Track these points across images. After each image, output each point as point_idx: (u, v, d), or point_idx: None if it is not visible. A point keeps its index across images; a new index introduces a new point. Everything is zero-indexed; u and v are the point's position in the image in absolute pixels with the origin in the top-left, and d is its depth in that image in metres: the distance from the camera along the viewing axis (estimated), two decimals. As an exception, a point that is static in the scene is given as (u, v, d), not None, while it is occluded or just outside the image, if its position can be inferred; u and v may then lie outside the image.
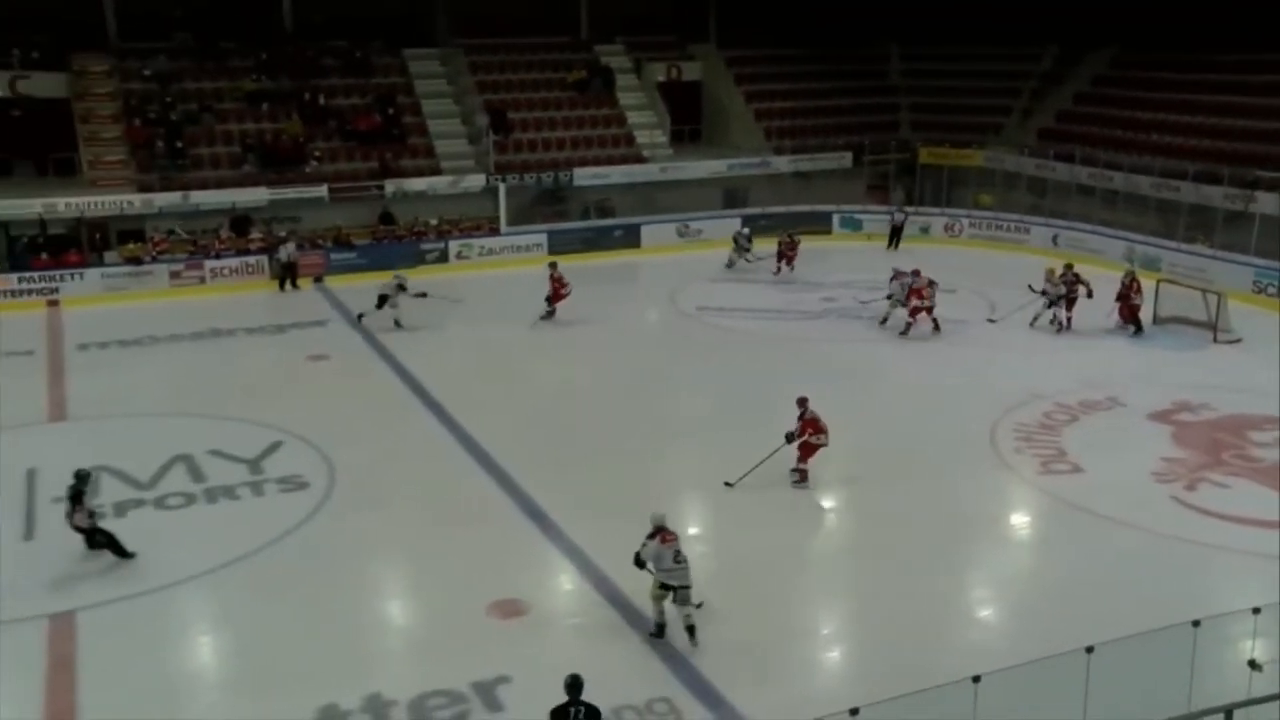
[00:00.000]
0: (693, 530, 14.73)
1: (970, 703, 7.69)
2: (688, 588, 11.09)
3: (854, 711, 7.30)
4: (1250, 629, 8.88)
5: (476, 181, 29.43)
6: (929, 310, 21.84)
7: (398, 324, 22.26)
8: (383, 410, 18.19)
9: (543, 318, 22.88)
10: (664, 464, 16.12)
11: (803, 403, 15.07)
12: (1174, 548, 13.26)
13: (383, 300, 22.33)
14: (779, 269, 27.15)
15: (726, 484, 14.87)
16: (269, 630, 11.58)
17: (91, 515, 12.91)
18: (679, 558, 11.13)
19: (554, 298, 22.95)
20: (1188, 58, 30.70)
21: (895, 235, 29.68)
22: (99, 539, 12.81)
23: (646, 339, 23.07)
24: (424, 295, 22.48)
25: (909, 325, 21.92)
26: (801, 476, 14.93)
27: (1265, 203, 25.08)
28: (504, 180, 29.42)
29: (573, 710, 8.57)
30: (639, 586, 12.09)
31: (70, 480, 12.95)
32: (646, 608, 11.61)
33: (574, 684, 8.67)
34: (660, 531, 11.28)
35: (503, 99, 31.71)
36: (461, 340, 22.13)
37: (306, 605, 12.06)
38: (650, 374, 20.03)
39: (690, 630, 11.15)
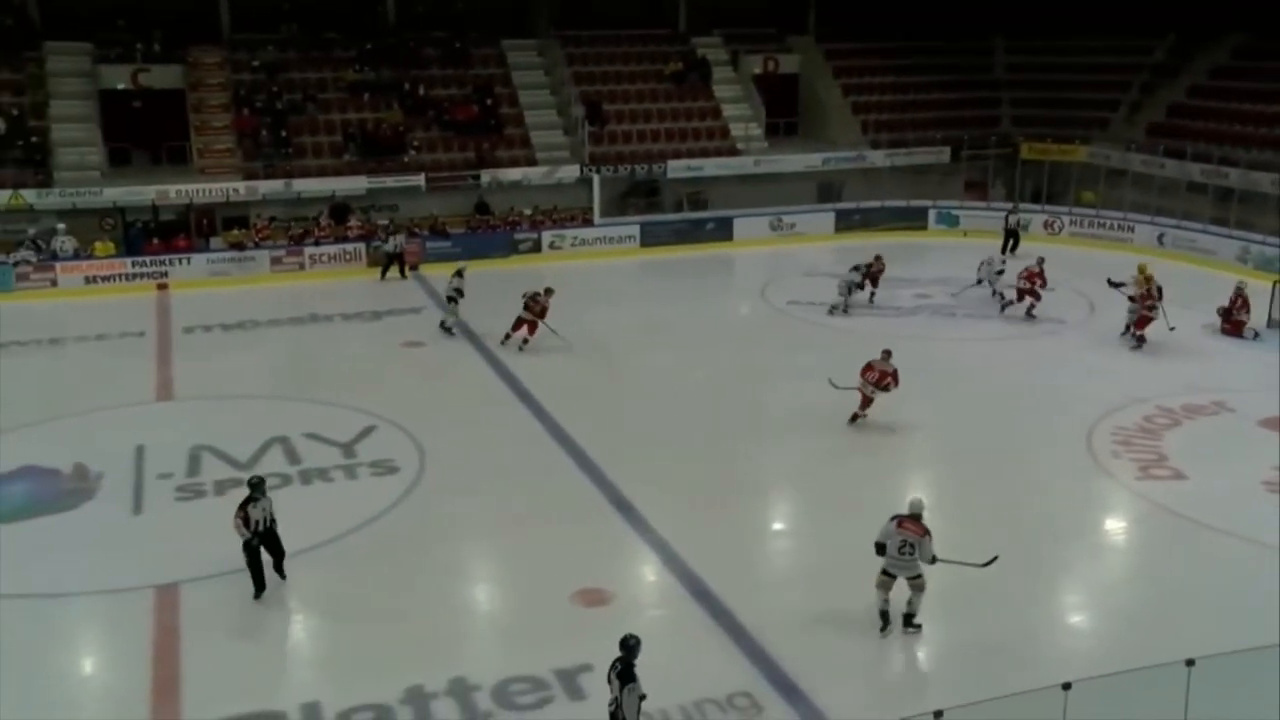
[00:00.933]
0: (778, 526, 14.76)
1: (1060, 709, 7.51)
2: (915, 577, 11.01)
3: (938, 714, 7.19)
4: (1359, 650, 8.53)
5: (571, 172, 29.64)
6: (1034, 295, 22.13)
7: (450, 331, 21.64)
8: (474, 398, 18.45)
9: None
10: (753, 460, 16.04)
11: (887, 354, 16.74)
12: (1282, 560, 12.76)
13: (452, 299, 21.92)
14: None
15: (831, 382, 16.63)
16: (357, 611, 11.83)
17: (254, 525, 11.86)
18: (904, 549, 10.93)
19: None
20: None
21: (1012, 238, 28.07)
22: (248, 551, 11.87)
23: (738, 333, 22.98)
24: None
25: (1009, 303, 22.49)
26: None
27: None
28: (598, 171, 29.58)
29: (616, 663, 8.82)
30: (725, 582, 12.12)
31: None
32: (732, 603, 11.65)
33: (625, 644, 8.86)
34: (903, 517, 11.10)
35: (599, 90, 31.86)
36: (555, 330, 22.26)
37: (394, 588, 12.29)
38: (741, 369, 19.95)
39: (908, 618, 11.18)
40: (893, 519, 11.18)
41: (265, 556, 11.99)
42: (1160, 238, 28.00)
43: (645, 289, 26.68)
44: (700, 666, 10.60)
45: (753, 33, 35.10)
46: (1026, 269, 22.55)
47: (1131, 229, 28.79)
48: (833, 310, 22.96)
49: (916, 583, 11.11)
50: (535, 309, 20.52)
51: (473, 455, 15.84)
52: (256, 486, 12.01)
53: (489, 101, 30.72)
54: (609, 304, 24.47)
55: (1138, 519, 14.41)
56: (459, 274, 22.31)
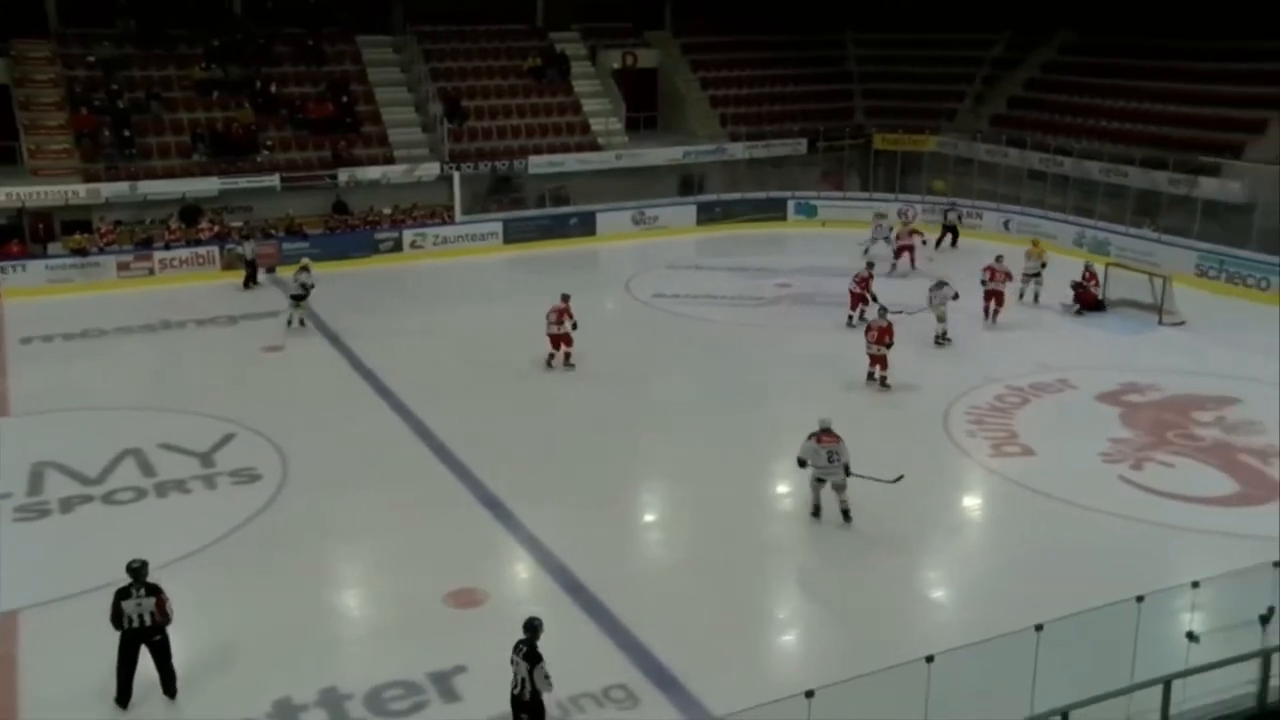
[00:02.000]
0: (650, 518, 14.87)
1: (924, 682, 7.77)
2: (841, 484, 13.26)
3: (809, 694, 7.35)
4: (1189, 603, 9.08)
5: (431, 170, 29.23)
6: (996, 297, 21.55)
7: (302, 323, 21.57)
8: (337, 401, 18.06)
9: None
10: (623, 452, 16.13)
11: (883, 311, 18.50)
12: (1120, 526, 13.48)
13: (298, 296, 21.66)
14: (900, 262, 25.35)
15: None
16: (221, 625, 11.45)
17: (126, 621, 9.97)
18: (831, 458, 13.19)
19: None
20: (1136, 44, 31.03)
21: (950, 233, 28.27)
22: (120, 645, 10.00)
23: (604, 327, 22.98)
24: None
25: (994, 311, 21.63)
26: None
27: (1207, 188, 25.52)
28: (458, 169, 29.25)
29: (520, 646, 9.08)
30: (598, 576, 12.17)
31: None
32: (606, 597, 11.72)
33: (529, 625, 9.15)
34: (818, 433, 13.28)
35: (457, 87, 31.50)
36: (416, 329, 21.99)
37: (260, 599, 11.96)
38: (608, 362, 20.01)
39: (845, 513, 13.40)
40: (810, 437, 13.31)
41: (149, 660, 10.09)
42: (1006, 223, 29.20)
43: (509, 286, 26.53)
44: (575, 661, 10.57)
45: (610, 27, 35.20)
46: (988, 267, 21.79)
47: (979, 215, 29.93)
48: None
49: (841, 483, 13.31)
50: (557, 319, 19.18)
51: (337, 458, 15.51)
52: (135, 572, 9.96)
53: (345, 99, 30.06)
54: (473, 302, 24.27)
55: (991, 495, 15.02)
56: (304, 269, 22.03)
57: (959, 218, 29.10)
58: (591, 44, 34.49)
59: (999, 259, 21.96)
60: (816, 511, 13.56)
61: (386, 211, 28.44)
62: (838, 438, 13.27)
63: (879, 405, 17.57)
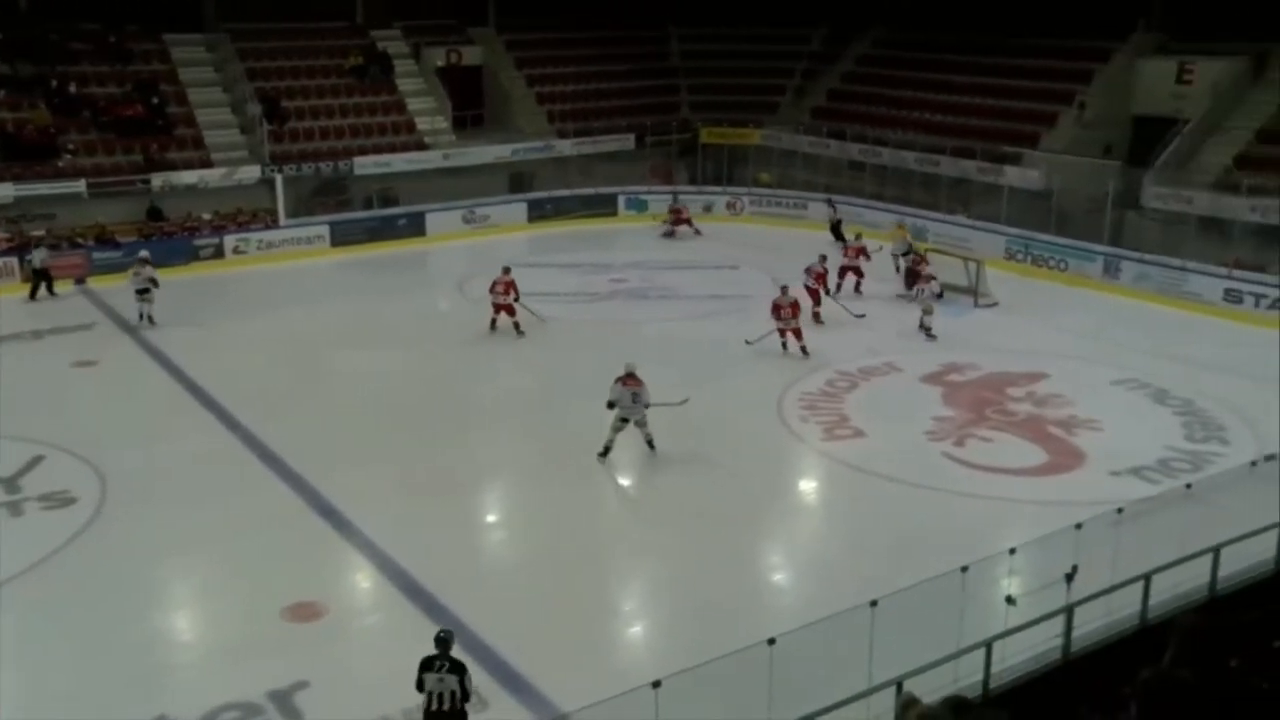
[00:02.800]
0: (492, 518, 14.77)
1: (767, 664, 7.95)
2: (643, 421, 14.94)
3: (656, 684, 7.43)
4: (1007, 569, 9.60)
5: (251, 173, 28.19)
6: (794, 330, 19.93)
7: (151, 320, 21.46)
8: (159, 416, 17.24)
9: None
10: (462, 454, 15.95)
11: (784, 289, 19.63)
12: (946, 500, 14.12)
13: (144, 291, 21.42)
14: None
15: (747, 341, 19.40)
16: (38, 660, 10.80)
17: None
18: (635, 399, 14.77)
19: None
20: (942, 40, 32.51)
21: (835, 231, 27.78)
22: None
23: (438, 329, 22.73)
24: None
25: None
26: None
27: (1011, 176, 26.96)
28: (280, 171, 28.32)
29: (438, 663, 8.91)
30: (441, 579, 12.00)
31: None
32: (449, 600, 11.56)
33: (441, 639, 9.04)
34: (624, 377, 14.83)
35: (276, 87, 30.46)
36: (242, 338, 21.20)
37: (80, 629, 11.29)
38: (443, 364, 19.77)
39: (649, 442, 15.09)
40: (617, 380, 14.84)
41: None
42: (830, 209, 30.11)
43: (339, 289, 25.87)
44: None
45: (433, 24, 34.64)
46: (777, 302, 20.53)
47: (805, 206, 30.79)
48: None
49: (642, 420, 14.96)
50: (501, 290, 20.71)
51: (161, 476, 14.82)
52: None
53: (155, 100, 28.66)
54: (302, 306, 23.55)
55: (826, 477, 15.51)
56: (143, 262, 21.64)
57: (837, 216, 28.84)
58: (414, 42, 33.88)
59: (822, 259, 22.24)
60: (606, 452, 14.99)
61: (206, 217, 27.26)
62: (640, 381, 14.86)
63: (716, 395, 17.87)
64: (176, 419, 17.02)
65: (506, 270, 21.00)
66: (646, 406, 14.91)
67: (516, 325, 20.84)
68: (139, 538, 13.20)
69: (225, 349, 20.28)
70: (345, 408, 17.51)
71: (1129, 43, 28.87)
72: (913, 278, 23.07)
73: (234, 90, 30.39)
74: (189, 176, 27.40)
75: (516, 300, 20.74)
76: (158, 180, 26.97)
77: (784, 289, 19.87)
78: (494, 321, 20.89)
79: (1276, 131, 24.70)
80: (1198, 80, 26.98)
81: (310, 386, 18.49)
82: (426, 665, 8.95)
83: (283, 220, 28.06)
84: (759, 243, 27.84)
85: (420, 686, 8.95)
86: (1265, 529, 9.62)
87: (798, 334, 19.61)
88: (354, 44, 32.76)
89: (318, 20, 32.78)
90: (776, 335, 19.67)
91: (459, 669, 8.97)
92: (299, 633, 11.19)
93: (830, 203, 29.38)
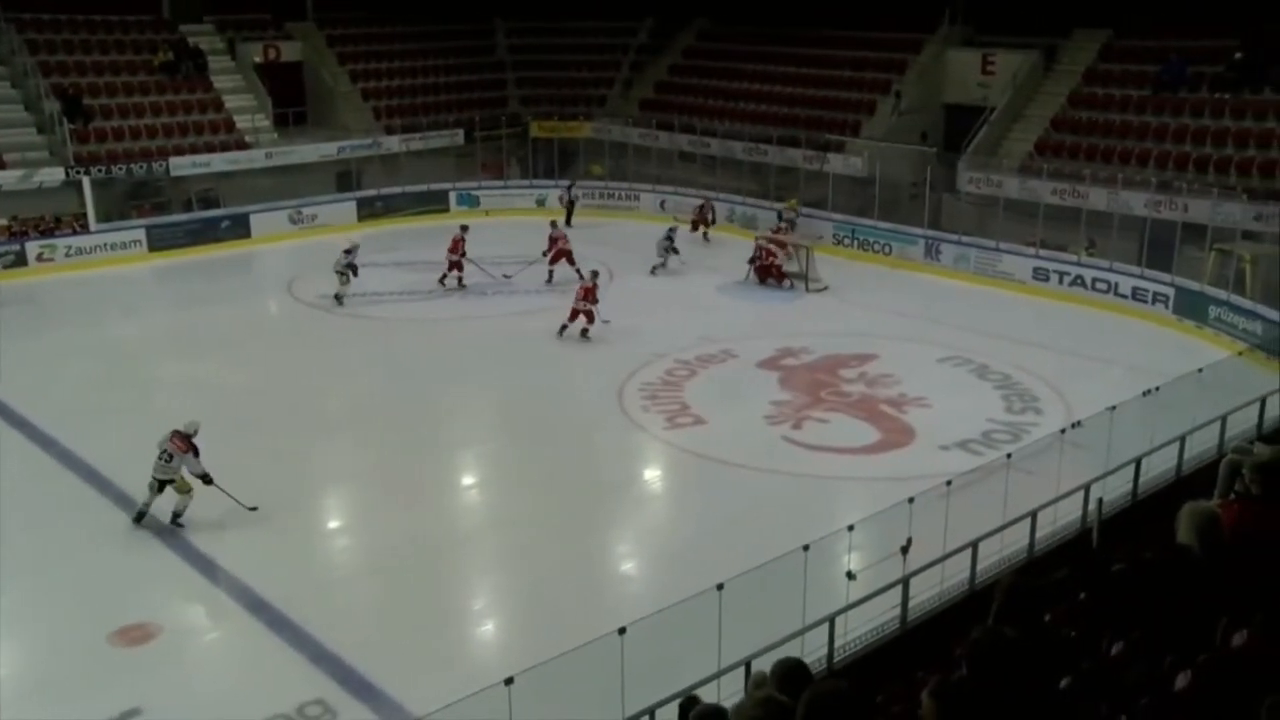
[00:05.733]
0: (334, 524, 14.41)
1: (618, 653, 8.01)
2: (170, 480, 13.11)
3: (508, 681, 7.39)
4: (846, 545, 9.94)
5: (54, 175, 26.51)
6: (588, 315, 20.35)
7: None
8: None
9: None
10: (297, 460, 15.48)
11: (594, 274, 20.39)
12: (786, 482, 14.51)
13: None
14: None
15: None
16: None
17: None
18: (162, 456, 13.09)
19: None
20: (764, 33, 33.24)
21: (569, 211, 28.96)
22: None
23: (270, 332, 22.01)
24: None
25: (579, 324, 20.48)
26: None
27: (835, 163, 27.84)
28: (87, 173, 26.80)
29: None
30: (282, 590, 11.66)
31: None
32: (292, 611, 11.27)
33: None
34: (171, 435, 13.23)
35: (76, 83, 28.73)
36: (53, 351, 19.96)
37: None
38: (278, 368, 19.13)
39: (174, 515, 13.15)
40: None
41: None
42: (662, 204, 30.48)
43: (161, 295, 24.77)
44: (266, 682, 10.13)
45: (247, 19, 33.37)
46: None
47: (637, 197, 31.05)
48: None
49: (182, 486, 13.14)
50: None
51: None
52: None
53: (-66, 96, 26.66)
54: (120, 315, 22.43)
55: (670, 465, 15.70)
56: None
57: (576, 196, 29.75)
58: (229, 36, 32.53)
59: (594, 274, 21.09)
60: (139, 518, 13.25)
61: (3, 222, 25.59)
62: (188, 445, 13.21)
63: (556, 389, 17.89)
64: (-17, 440, 15.95)
65: (595, 274, 20.82)
66: (206, 480, 13.19)
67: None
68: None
69: (34, 363, 19.09)
70: (173, 420, 16.66)
71: (937, 35, 30.15)
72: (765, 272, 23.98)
73: (25, 86, 28.43)
74: (-23, 178, 25.61)
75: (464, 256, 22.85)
76: (-56, 184, 25.16)
77: (594, 273, 20.65)
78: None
79: (1067, 120, 26.30)
80: (999, 71, 28.43)
81: (133, 400, 17.58)
82: None
83: (93, 225, 26.56)
84: (592, 235, 27.90)
85: None
86: (1072, 491, 10.26)
87: (579, 315, 20.06)
88: (162, 39, 31.25)
89: (120, 13, 31.09)
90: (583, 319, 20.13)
91: None
92: (129, 657, 10.68)
93: (569, 188, 30.00)
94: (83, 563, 12.46)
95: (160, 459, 13.10)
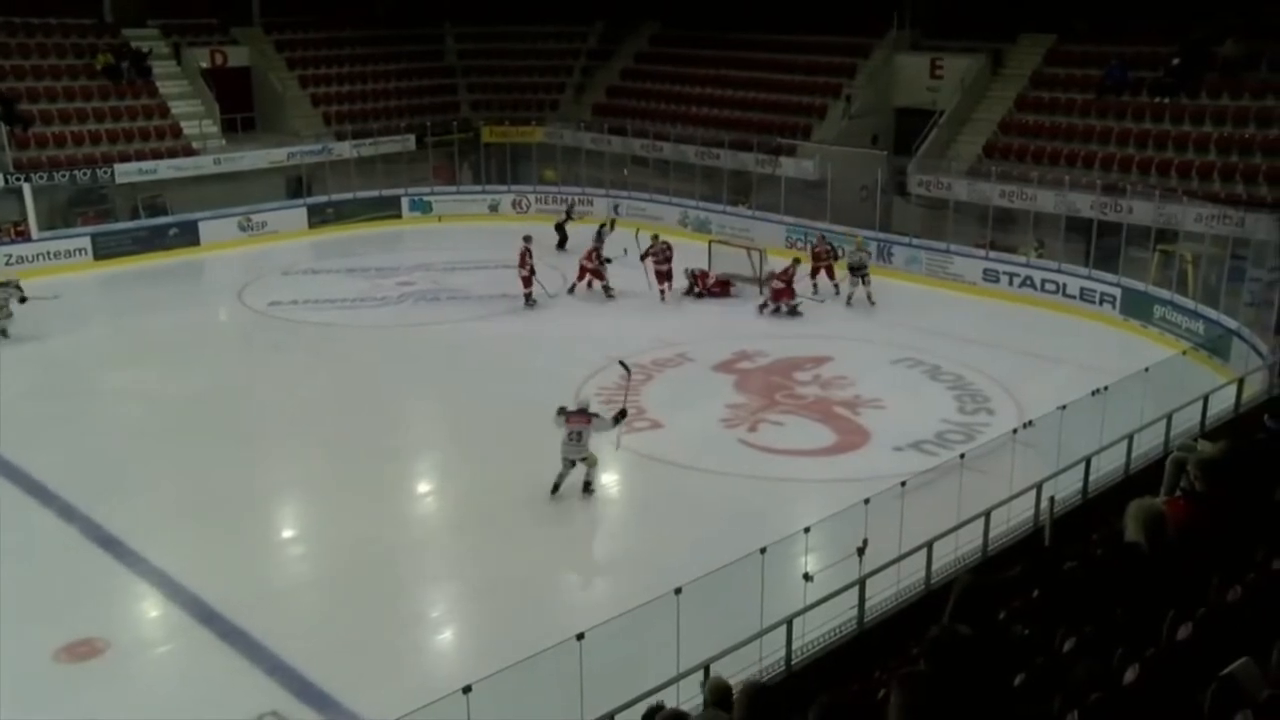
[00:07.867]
0: (287, 533, 14.24)
1: (577, 660, 7.99)
2: (572, 461, 13.86)
3: (466, 689, 7.34)
4: (803, 547, 9.98)
5: (-7, 182, 26.07)
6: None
7: (4, 334, 20.51)
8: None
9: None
10: (247, 468, 15.28)
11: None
12: (743, 485, 14.54)
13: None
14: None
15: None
16: None
17: None
18: (570, 437, 13.79)
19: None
20: (714, 37, 33.39)
21: (561, 234, 27.69)
22: None
23: (220, 341, 21.72)
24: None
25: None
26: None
27: (787, 167, 28.00)
28: (28, 179, 26.29)
29: None
30: (234, 601, 11.50)
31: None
32: (244, 621, 11.12)
33: None
34: (563, 412, 13.99)
35: (13, 88, 28.17)
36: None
37: None
38: (229, 377, 18.89)
39: (586, 484, 14.03)
40: (560, 413, 13.98)
41: None
42: (616, 208, 30.41)
43: (107, 304, 24.35)
44: (219, 695, 9.98)
45: (193, 24, 32.94)
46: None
47: (591, 202, 31.00)
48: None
49: (576, 463, 13.91)
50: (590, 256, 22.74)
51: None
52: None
53: None
54: (64, 324, 21.95)
55: (626, 470, 15.64)
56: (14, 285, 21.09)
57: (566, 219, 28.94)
58: (174, 41, 32.08)
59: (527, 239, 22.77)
60: (554, 489, 14.04)
61: (-59, 231, 25.09)
62: (585, 417, 13.96)
63: (510, 394, 17.79)
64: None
65: (613, 224, 23.73)
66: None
67: (607, 289, 23.08)
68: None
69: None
70: (120, 430, 16.49)
71: (886, 39, 30.43)
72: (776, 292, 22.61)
73: (-44, 90, 27.91)
74: (-91, 186, 25.05)
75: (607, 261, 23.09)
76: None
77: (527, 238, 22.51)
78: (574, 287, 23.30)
79: (1015, 123, 26.64)
80: (947, 75, 28.75)
81: (78, 410, 17.27)
82: None
83: (35, 233, 26.10)
84: (546, 240, 27.81)
85: None
86: (1025, 490, 10.39)
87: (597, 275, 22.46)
88: (104, 43, 30.73)
89: (60, 16, 30.55)
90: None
91: None
92: (75, 674, 10.48)
93: (569, 209, 29.03)
94: (25, 578, 12.17)
95: (569, 440, 13.77)
